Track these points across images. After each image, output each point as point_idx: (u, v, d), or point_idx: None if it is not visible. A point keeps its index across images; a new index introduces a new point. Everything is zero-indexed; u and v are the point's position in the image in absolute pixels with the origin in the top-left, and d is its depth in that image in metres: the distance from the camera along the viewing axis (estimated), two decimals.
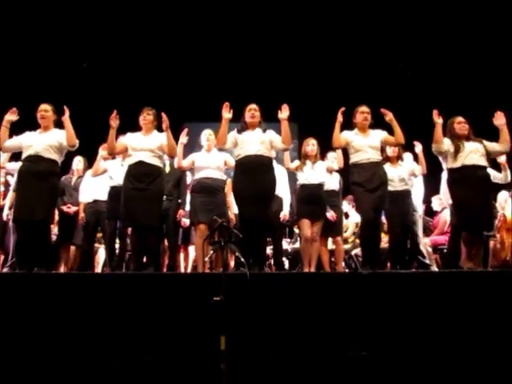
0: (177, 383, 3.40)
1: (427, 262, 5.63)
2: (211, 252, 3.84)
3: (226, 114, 4.74)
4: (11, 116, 4.71)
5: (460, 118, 4.92)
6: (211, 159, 5.33)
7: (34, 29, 7.94)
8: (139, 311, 3.63)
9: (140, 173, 4.72)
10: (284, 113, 4.70)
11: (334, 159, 5.77)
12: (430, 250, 6.23)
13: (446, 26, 7.97)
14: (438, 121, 4.80)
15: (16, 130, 4.90)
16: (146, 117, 4.87)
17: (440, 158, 4.96)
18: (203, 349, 3.32)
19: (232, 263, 5.32)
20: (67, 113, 4.73)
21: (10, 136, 4.84)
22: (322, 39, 8.44)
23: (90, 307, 3.67)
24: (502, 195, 6.70)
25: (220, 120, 4.84)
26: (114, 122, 4.68)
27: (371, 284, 3.84)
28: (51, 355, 3.54)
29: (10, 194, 5.92)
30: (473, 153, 4.75)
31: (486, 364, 3.58)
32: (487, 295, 3.75)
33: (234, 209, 5.58)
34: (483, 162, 4.77)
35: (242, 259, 3.83)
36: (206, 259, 3.76)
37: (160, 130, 4.91)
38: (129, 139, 4.90)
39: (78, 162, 6.21)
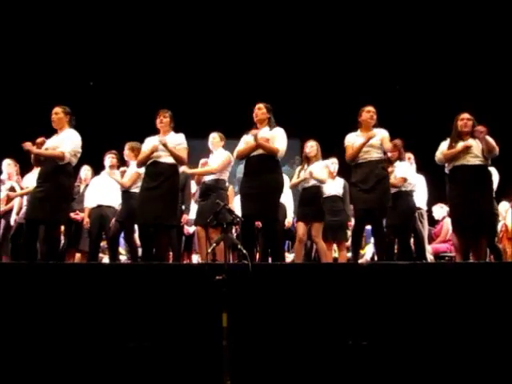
0: (181, 360, 3.45)
1: None
2: (214, 244, 3.89)
3: None
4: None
5: (463, 114, 4.81)
6: None
7: (43, 49, 8.29)
8: (145, 298, 3.70)
9: (154, 172, 4.81)
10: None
11: (332, 164, 5.86)
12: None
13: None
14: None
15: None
16: (163, 120, 4.94)
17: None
18: (205, 327, 3.37)
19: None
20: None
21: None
22: (322, 57, 8.71)
23: (102, 296, 3.75)
24: (503, 205, 6.78)
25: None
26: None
27: (370, 275, 3.88)
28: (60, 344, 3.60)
29: (18, 200, 6.04)
30: (466, 153, 4.69)
31: (482, 355, 3.61)
32: (481, 287, 3.79)
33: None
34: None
35: (244, 251, 3.92)
36: (209, 251, 3.82)
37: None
38: (146, 145, 4.97)
39: (86, 171, 6.35)
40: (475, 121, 4.80)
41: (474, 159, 4.68)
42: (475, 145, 4.70)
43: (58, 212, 4.70)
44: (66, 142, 4.73)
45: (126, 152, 5.72)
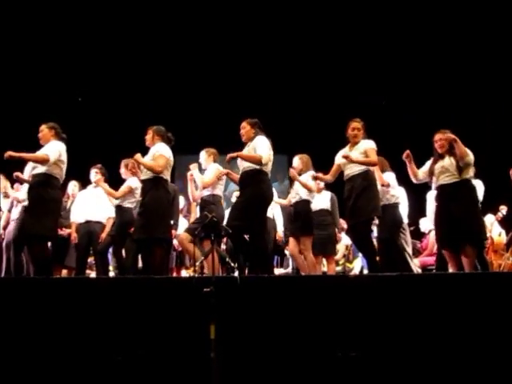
0: (169, 373, 3.42)
1: None
2: (202, 258, 3.90)
3: None
4: None
5: (437, 135, 4.86)
6: None
7: (30, 64, 8.33)
8: (134, 311, 3.67)
9: (141, 191, 5.02)
10: None
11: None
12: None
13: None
14: (406, 160, 4.88)
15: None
16: (146, 137, 5.00)
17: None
18: (194, 339, 3.35)
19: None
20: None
21: None
22: (309, 74, 8.83)
23: (91, 310, 3.72)
24: (489, 218, 6.85)
25: None
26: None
27: (358, 287, 3.89)
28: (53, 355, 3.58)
29: (5, 215, 6.01)
30: (441, 173, 4.76)
31: (470, 365, 3.63)
32: (467, 297, 3.82)
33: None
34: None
35: (232, 264, 3.93)
36: (197, 264, 3.82)
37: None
38: None
39: (74, 187, 6.32)
40: (450, 136, 4.73)
41: (449, 178, 4.72)
42: (449, 163, 4.73)
43: (34, 225, 4.57)
44: (46, 151, 4.68)
45: (122, 170, 5.68)
